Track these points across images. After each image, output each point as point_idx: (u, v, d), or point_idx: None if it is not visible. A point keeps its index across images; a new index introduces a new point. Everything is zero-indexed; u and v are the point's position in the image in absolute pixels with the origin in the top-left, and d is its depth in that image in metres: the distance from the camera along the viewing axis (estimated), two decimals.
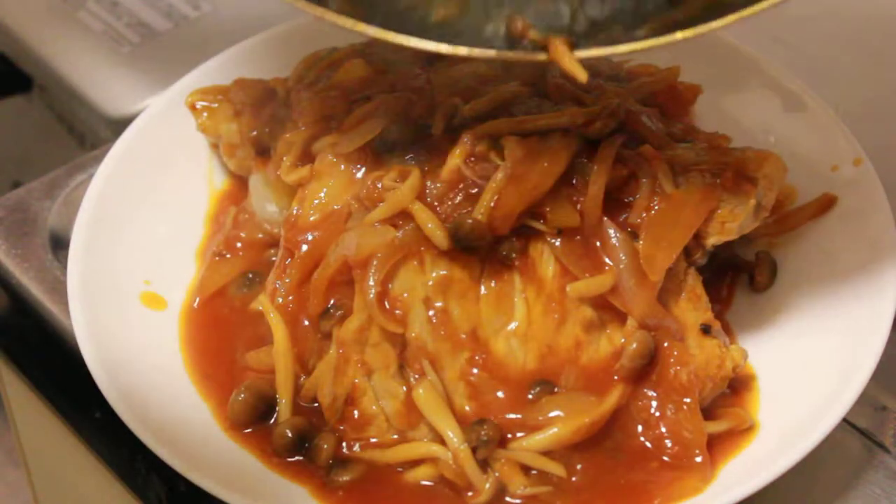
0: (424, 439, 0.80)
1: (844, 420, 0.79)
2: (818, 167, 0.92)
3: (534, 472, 0.78)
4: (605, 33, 0.77)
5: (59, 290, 0.94)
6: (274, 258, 0.90)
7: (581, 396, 0.79)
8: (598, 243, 0.80)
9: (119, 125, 1.03)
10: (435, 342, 0.79)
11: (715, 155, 0.83)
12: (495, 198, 0.79)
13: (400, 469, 0.79)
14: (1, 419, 1.21)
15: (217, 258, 0.94)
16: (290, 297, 0.84)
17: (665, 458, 0.78)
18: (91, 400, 0.82)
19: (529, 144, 0.81)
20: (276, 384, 0.83)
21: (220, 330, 0.89)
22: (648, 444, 0.79)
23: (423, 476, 0.79)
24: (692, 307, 0.82)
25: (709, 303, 0.83)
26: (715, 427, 0.80)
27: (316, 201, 0.85)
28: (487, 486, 0.77)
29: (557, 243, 0.80)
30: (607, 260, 0.80)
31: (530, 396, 0.79)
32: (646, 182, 0.81)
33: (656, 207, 0.81)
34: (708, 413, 0.81)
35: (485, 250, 0.80)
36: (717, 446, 0.79)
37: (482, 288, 0.80)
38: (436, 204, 0.81)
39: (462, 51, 0.75)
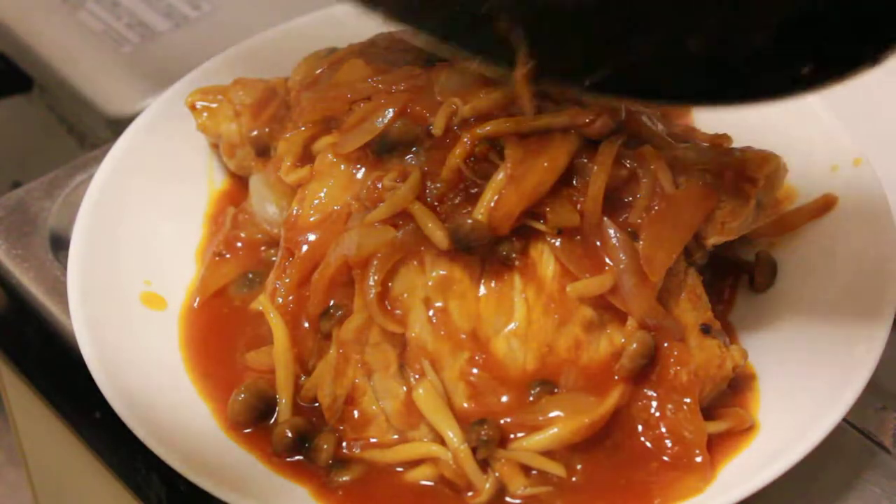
0: (424, 439, 0.79)
1: (844, 420, 0.79)
2: (818, 167, 0.92)
3: (534, 472, 0.78)
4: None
5: (59, 290, 0.94)
6: (274, 258, 0.90)
7: (581, 396, 0.79)
8: (598, 243, 0.80)
9: (119, 125, 1.03)
10: (435, 342, 0.79)
11: (715, 155, 0.83)
12: (495, 198, 0.79)
13: (400, 469, 0.79)
14: (1, 419, 1.21)
15: (217, 258, 0.94)
16: (290, 297, 0.84)
17: (665, 458, 0.78)
18: (91, 400, 0.82)
19: (529, 144, 0.81)
20: (276, 384, 0.83)
21: (220, 330, 0.89)
22: (648, 444, 0.79)
23: (423, 476, 0.79)
24: (692, 307, 0.82)
25: (709, 303, 0.83)
26: (715, 427, 0.80)
27: (316, 201, 0.85)
28: (487, 486, 0.77)
29: (557, 243, 0.80)
30: (607, 260, 0.80)
31: (530, 397, 0.79)
32: (646, 182, 0.81)
33: (656, 207, 0.81)
34: (708, 413, 0.80)
35: (485, 250, 0.80)
36: (717, 446, 0.79)
37: (482, 288, 0.80)
38: (436, 204, 0.81)
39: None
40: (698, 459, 0.78)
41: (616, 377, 0.79)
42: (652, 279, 0.79)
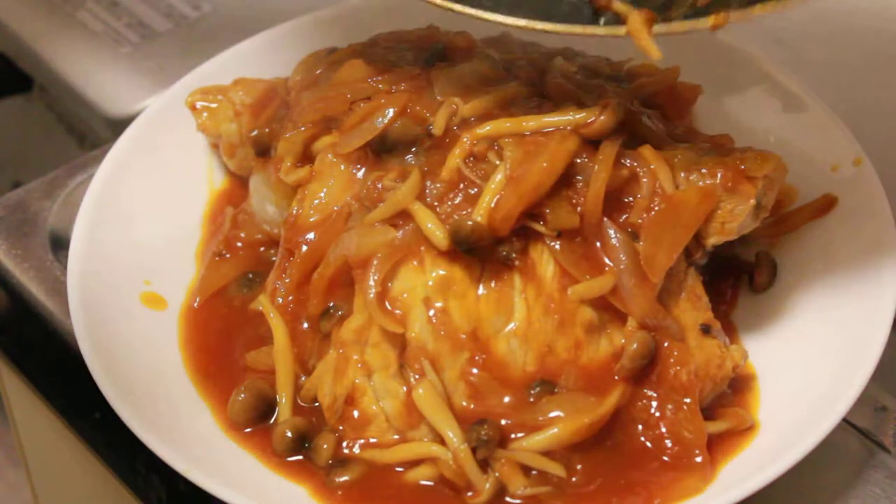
0: (424, 439, 0.79)
1: (844, 420, 0.79)
2: (818, 167, 0.92)
3: (534, 472, 0.78)
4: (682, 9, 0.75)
5: (59, 290, 0.94)
6: (274, 258, 0.90)
7: (581, 397, 0.79)
8: (598, 244, 0.80)
9: (119, 125, 1.03)
10: (435, 342, 0.79)
11: (715, 155, 0.83)
12: (495, 199, 0.79)
13: (400, 469, 0.79)
14: (1, 419, 1.21)
15: (217, 258, 0.94)
16: (290, 298, 0.84)
17: (665, 458, 0.78)
18: (91, 400, 0.82)
19: (529, 145, 0.81)
20: (276, 384, 0.83)
21: (220, 330, 0.89)
22: (648, 445, 0.79)
23: (423, 476, 0.79)
24: (692, 307, 0.82)
25: (709, 303, 0.83)
26: (715, 427, 0.80)
27: (316, 201, 0.85)
28: (487, 486, 0.77)
29: (557, 246, 0.80)
30: (607, 260, 0.80)
31: (531, 397, 0.79)
32: (646, 182, 0.81)
33: (656, 208, 0.81)
34: (708, 413, 0.81)
35: (485, 251, 0.80)
36: (717, 446, 0.79)
37: (482, 288, 0.80)
38: (436, 204, 0.81)
39: (540, 26, 0.74)
40: (698, 459, 0.78)
41: (616, 377, 0.79)
42: (652, 280, 0.79)
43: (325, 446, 0.80)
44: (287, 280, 0.85)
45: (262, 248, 0.94)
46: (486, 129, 0.82)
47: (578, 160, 0.81)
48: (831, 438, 0.76)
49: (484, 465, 0.77)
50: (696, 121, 0.97)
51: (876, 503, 0.81)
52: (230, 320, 0.90)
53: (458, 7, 0.76)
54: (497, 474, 0.77)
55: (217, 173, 1.00)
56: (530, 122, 0.82)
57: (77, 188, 1.02)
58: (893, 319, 0.81)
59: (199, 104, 0.96)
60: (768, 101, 0.98)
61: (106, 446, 0.92)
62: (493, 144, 0.81)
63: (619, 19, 0.75)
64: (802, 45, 1.14)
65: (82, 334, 0.83)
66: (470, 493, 0.77)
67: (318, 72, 0.92)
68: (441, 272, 0.80)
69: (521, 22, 0.78)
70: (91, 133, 1.26)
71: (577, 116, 0.82)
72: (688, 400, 0.79)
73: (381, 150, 0.84)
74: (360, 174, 0.85)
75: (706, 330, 0.81)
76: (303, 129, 0.88)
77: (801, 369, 0.83)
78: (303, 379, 0.84)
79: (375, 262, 0.80)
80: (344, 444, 0.81)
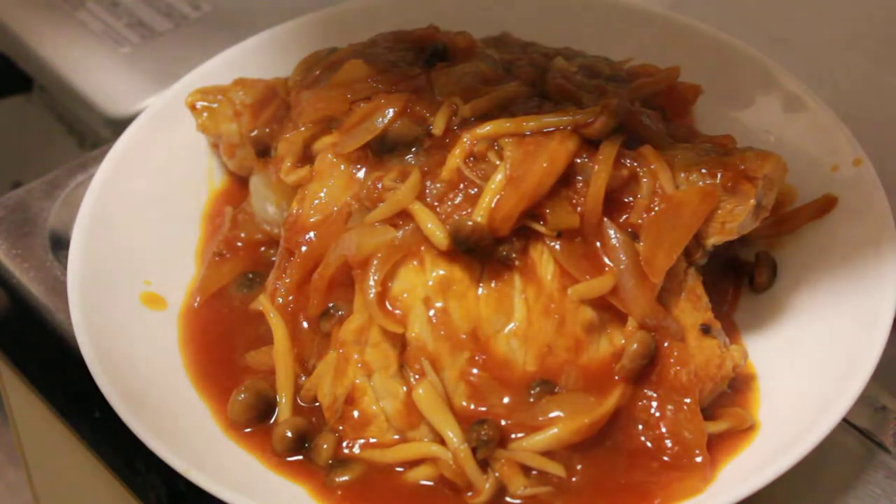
0: (424, 439, 0.79)
1: (844, 420, 0.79)
2: (818, 167, 0.92)
3: (534, 472, 0.78)
4: None
5: (59, 290, 0.94)
6: (274, 258, 0.90)
7: (581, 397, 0.79)
8: (598, 244, 0.80)
9: (119, 125, 1.03)
10: (435, 342, 0.79)
11: (715, 155, 0.83)
12: (495, 199, 0.79)
13: (400, 469, 0.79)
14: (1, 419, 1.21)
15: (217, 258, 0.94)
16: (290, 298, 0.84)
17: (665, 459, 0.78)
18: (91, 400, 0.82)
19: (529, 145, 0.81)
20: (276, 384, 0.83)
21: (220, 330, 0.89)
22: (648, 445, 0.79)
23: (423, 476, 0.79)
24: (692, 307, 0.82)
25: (709, 303, 0.83)
26: (715, 427, 0.80)
27: (316, 201, 0.85)
28: (487, 486, 0.77)
29: (557, 246, 0.80)
30: (607, 260, 0.80)
31: (531, 397, 0.79)
32: (646, 182, 0.81)
33: (657, 208, 0.81)
34: (708, 413, 0.81)
35: (485, 251, 0.80)
36: (717, 446, 0.79)
37: (482, 288, 0.80)
38: (436, 204, 0.81)
39: None
40: (698, 459, 0.78)
41: (616, 377, 0.79)
42: (652, 280, 0.79)
43: (325, 446, 0.80)
44: (287, 280, 0.84)
45: (262, 248, 0.94)
46: (486, 129, 0.82)
47: (578, 160, 0.81)
48: (831, 438, 0.76)
49: (484, 466, 0.77)
50: (696, 121, 0.97)
51: (876, 503, 0.81)
52: (230, 320, 0.90)
53: None
54: (497, 474, 0.77)
55: (217, 173, 1.00)
56: (530, 122, 0.82)
57: (77, 188, 1.02)
58: (893, 319, 0.81)
59: (199, 104, 0.96)
60: (768, 101, 0.98)
61: (106, 446, 0.92)
62: (493, 144, 0.81)
63: None
64: (802, 45, 1.14)
65: (82, 334, 0.83)
66: (470, 493, 0.77)
67: (318, 72, 0.92)
68: (441, 272, 0.80)
69: None
70: (91, 133, 1.26)
71: (577, 116, 0.82)
72: (688, 400, 0.79)
73: (381, 150, 0.84)
74: (360, 174, 0.85)
75: (706, 330, 0.81)
76: (303, 129, 0.88)
77: (801, 369, 0.83)
78: (303, 379, 0.84)
79: (375, 262, 0.80)
80: (344, 444, 0.81)
